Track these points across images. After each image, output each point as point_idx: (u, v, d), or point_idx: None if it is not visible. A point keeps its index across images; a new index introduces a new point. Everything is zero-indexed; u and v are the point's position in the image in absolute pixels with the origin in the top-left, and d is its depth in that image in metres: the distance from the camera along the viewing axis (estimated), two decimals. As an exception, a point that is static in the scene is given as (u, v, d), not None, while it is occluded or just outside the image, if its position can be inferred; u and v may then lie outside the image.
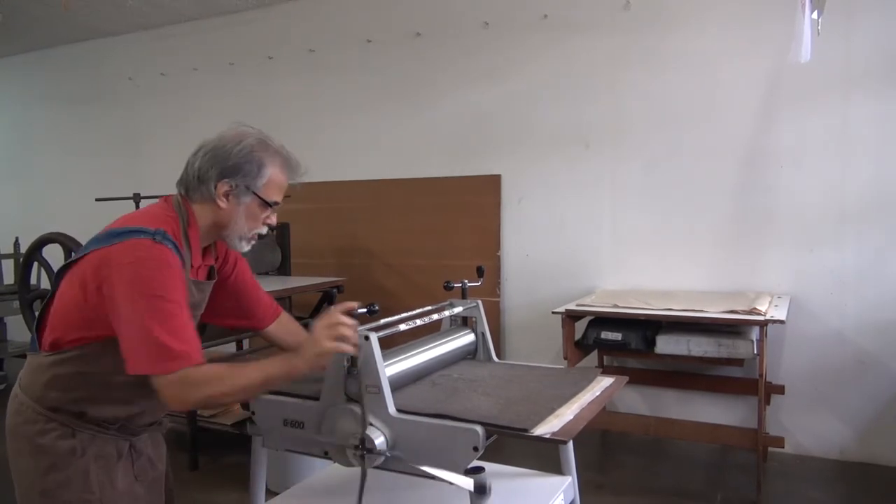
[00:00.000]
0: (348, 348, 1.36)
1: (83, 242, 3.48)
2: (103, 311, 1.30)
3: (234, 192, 1.43)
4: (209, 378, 1.29)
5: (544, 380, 1.76)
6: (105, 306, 1.29)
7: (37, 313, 3.69)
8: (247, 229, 1.48)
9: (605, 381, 1.75)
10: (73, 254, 1.43)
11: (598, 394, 1.65)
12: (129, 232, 1.32)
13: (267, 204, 1.47)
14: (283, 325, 1.74)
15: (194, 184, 1.44)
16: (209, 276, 1.55)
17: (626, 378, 1.84)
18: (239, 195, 1.44)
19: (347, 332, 1.35)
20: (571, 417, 1.46)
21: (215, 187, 1.42)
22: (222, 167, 1.42)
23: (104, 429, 1.40)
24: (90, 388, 1.38)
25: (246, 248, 1.52)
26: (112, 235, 1.33)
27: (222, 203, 1.44)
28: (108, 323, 1.29)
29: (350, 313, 1.38)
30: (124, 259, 1.28)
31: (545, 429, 1.39)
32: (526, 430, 1.38)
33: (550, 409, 1.49)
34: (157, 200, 1.50)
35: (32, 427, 1.37)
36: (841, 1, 3.10)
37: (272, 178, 1.46)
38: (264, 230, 1.52)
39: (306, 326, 1.50)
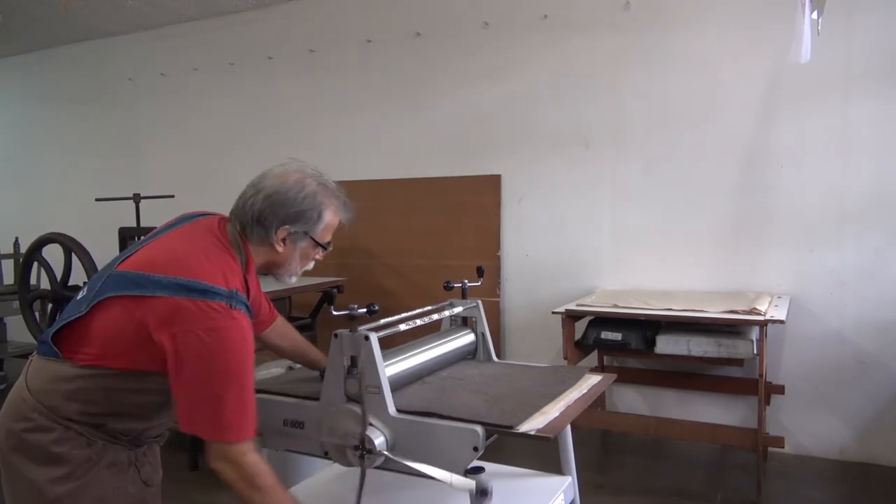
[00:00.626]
0: None
1: (83, 242, 3.47)
2: (159, 357, 1.29)
3: (291, 237, 1.45)
4: (258, 478, 1.31)
5: (533, 378, 1.77)
6: (166, 357, 1.28)
7: (37, 313, 3.69)
8: (299, 268, 1.52)
9: (593, 379, 1.77)
10: (123, 282, 1.36)
11: (585, 392, 1.67)
12: (205, 291, 1.29)
13: (322, 247, 1.51)
14: (278, 329, 1.75)
15: (252, 225, 1.43)
16: None
17: (614, 376, 1.86)
18: (297, 240, 1.46)
19: None
20: (557, 415, 1.49)
21: (276, 233, 1.43)
22: (285, 214, 1.42)
23: (116, 440, 1.39)
24: (117, 405, 1.36)
25: (294, 281, 1.56)
26: (185, 288, 1.28)
27: (279, 247, 1.45)
28: (160, 361, 1.29)
29: None
30: (199, 326, 1.26)
31: (530, 426, 1.41)
32: (511, 427, 1.39)
33: (537, 407, 1.51)
34: (206, 219, 1.47)
35: (47, 435, 1.33)
36: (841, 1, 3.10)
37: (329, 223, 1.49)
38: (311, 266, 1.55)
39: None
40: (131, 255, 1.41)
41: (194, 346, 1.26)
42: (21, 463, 1.35)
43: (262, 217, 1.42)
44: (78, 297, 1.41)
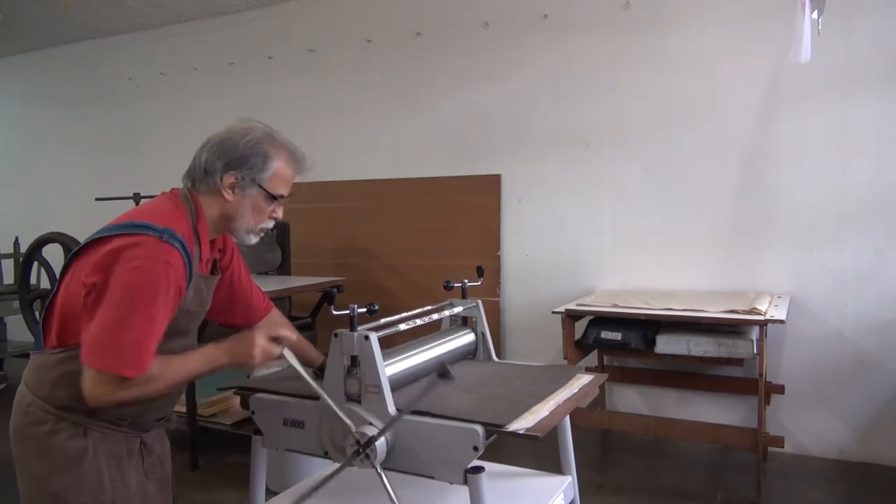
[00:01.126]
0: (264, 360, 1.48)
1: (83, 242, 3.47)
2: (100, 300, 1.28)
3: (239, 185, 1.43)
4: (140, 381, 1.28)
5: (525, 378, 1.77)
6: (98, 293, 1.27)
7: (37, 313, 3.69)
8: (253, 222, 1.48)
9: (584, 379, 1.78)
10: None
11: (575, 391, 1.68)
12: (137, 226, 1.31)
13: (273, 197, 1.47)
14: (273, 320, 1.74)
15: (200, 175, 1.44)
16: (212, 272, 1.54)
17: (605, 375, 1.86)
18: (245, 188, 1.44)
19: (274, 352, 1.47)
20: (547, 414, 1.49)
21: (221, 179, 1.42)
22: (228, 159, 1.42)
23: (115, 426, 1.39)
24: None
25: (253, 240, 1.52)
26: (119, 227, 1.32)
27: (228, 195, 1.44)
28: None
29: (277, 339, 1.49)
30: (128, 254, 1.27)
31: (520, 425, 1.41)
32: (501, 426, 1.40)
33: (527, 406, 1.51)
34: (159, 194, 1.49)
35: (42, 428, 1.35)
36: (841, 1, 3.10)
37: (278, 171, 1.46)
38: (270, 224, 1.52)
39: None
40: None
41: (117, 276, 1.25)
42: (26, 457, 1.38)
43: (208, 165, 1.43)
44: None
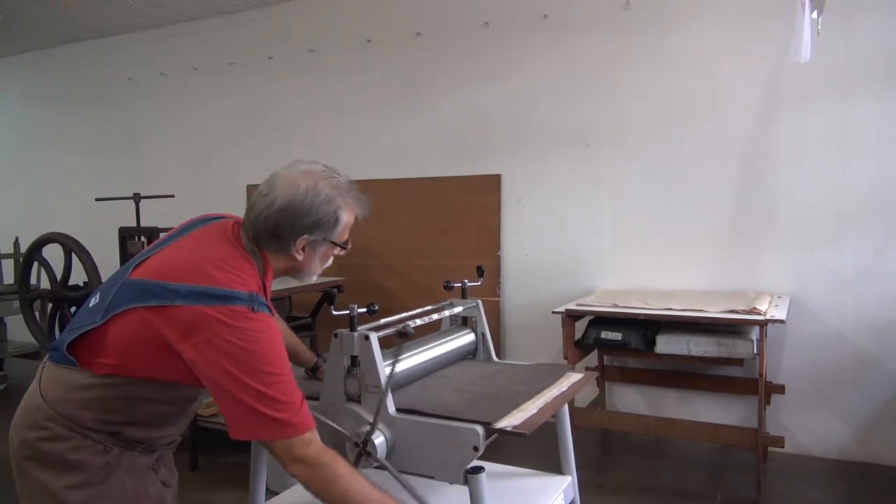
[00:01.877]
0: None
1: (83, 242, 3.46)
2: (179, 368, 1.27)
3: (310, 244, 1.41)
4: (331, 466, 1.29)
5: (515, 377, 1.79)
6: (187, 367, 1.26)
7: (37, 313, 3.69)
8: (319, 268, 1.49)
9: (573, 378, 1.79)
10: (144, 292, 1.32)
11: (564, 389, 1.69)
12: (224, 297, 1.25)
13: (341, 246, 1.47)
14: None
15: (268, 237, 1.38)
16: None
17: (595, 374, 1.86)
18: (316, 246, 1.42)
19: None
20: (534, 412, 1.50)
21: (294, 244, 1.39)
22: (302, 224, 1.37)
23: (132, 447, 1.38)
24: (134, 414, 1.34)
25: (314, 280, 1.52)
26: (204, 295, 1.25)
27: (299, 256, 1.41)
28: (180, 372, 1.28)
29: None
30: (223, 332, 1.23)
31: (507, 422, 1.42)
32: (489, 424, 1.41)
33: (515, 404, 1.53)
34: (219, 223, 1.44)
35: (63, 444, 1.31)
36: (841, 1, 3.10)
37: (346, 223, 1.45)
38: (330, 262, 1.52)
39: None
40: (144, 260, 1.38)
41: (224, 352, 1.22)
42: (37, 471, 1.32)
43: (279, 230, 1.37)
44: (90, 305, 1.38)
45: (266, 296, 1.37)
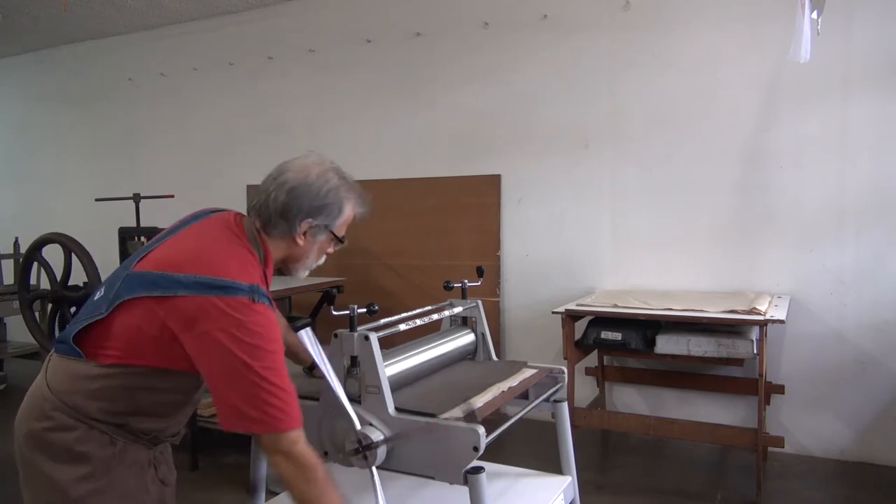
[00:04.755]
0: None
1: (83, 242, 3.45)
2: (184, 357, 1.28)
3: (311, 231, 1.44)
4: (310, 470, 1.30)
5: (471, 372, 1.83)
6: (190, 357, 1.28)
7: (37, 313, 3.69)
8: (314, 263, 1.52)
9: (527, 373, 1.84)
10: (143, 281, 1.34)
11: (514, 384, 1.73)
12: (226, 287, 1.27)
13: (338, 240, 1.50)
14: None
15: (275, 219, 1.42)
16: None
17: (550, 370, 1.88)
18: (317, 233, 1.45)
19: None
20: (481, 404, 1.54)
21: (299, 225, 1.42)
22: (309, 207, 1.41)
23: (138, 438, 1.39)
24: (140, 404, 1.35)
25: (304, 276, 1.55)
26: (207, 286, 1.26)
27: (300, 241, 1.44)
28: (184, 361, 1.29)
29: None
30: (224, 323, 1.25)
31: (452, 414, 1.46)
32: (434, 415, 1.45)
33: (464, 397, 1.56)
34: (220, 214, 1.46)
35: (69, 434, 1.32)
36: (841, 1, 3.10)
37: (347, 217, 1.49)
38: (323, 260, 1.55)
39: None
40: (147, 254, 1.39)
41: (223, 343, 1.24)
42: (43, 462, 1.33)
43: (286, 210, 1.41)
44: (95, 298, 1.39)
45: (267, 286, 1.38)
